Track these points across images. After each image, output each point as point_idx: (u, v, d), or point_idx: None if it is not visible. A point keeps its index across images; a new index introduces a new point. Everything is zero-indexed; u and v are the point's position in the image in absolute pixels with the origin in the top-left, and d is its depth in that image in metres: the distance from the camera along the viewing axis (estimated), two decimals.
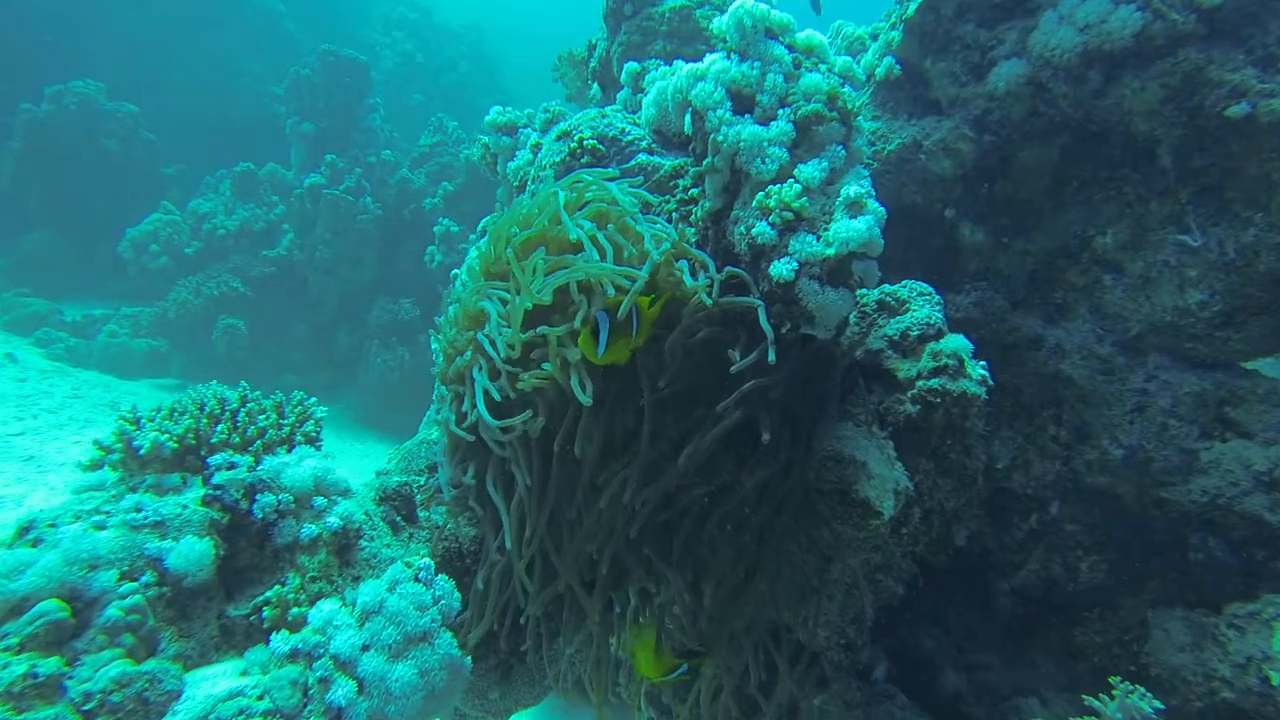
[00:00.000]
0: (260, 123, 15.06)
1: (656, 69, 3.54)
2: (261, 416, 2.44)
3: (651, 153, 2.90)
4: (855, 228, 2.14)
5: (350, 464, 9.44)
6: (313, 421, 2.57)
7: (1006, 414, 3.77)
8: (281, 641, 1.88)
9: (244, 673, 1.86)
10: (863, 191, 2.24)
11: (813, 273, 2.18)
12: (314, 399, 2.82)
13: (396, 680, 1.86)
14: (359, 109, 12.00)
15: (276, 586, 2.10)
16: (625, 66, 3.82)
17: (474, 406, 2.44)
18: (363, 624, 1.97)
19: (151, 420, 2.27)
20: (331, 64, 11.89)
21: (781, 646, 2.93)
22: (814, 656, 3.60)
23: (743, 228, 2.30)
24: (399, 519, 2.83)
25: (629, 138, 2.89)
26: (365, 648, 1.91)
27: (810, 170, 2.29)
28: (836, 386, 2.68)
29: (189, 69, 15.32)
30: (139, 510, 1.98)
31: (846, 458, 2.71)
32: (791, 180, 2.27)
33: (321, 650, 1.86)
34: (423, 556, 2.34)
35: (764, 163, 2.32)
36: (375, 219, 10.79)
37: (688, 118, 2.64)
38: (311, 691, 1.79)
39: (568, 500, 2.28)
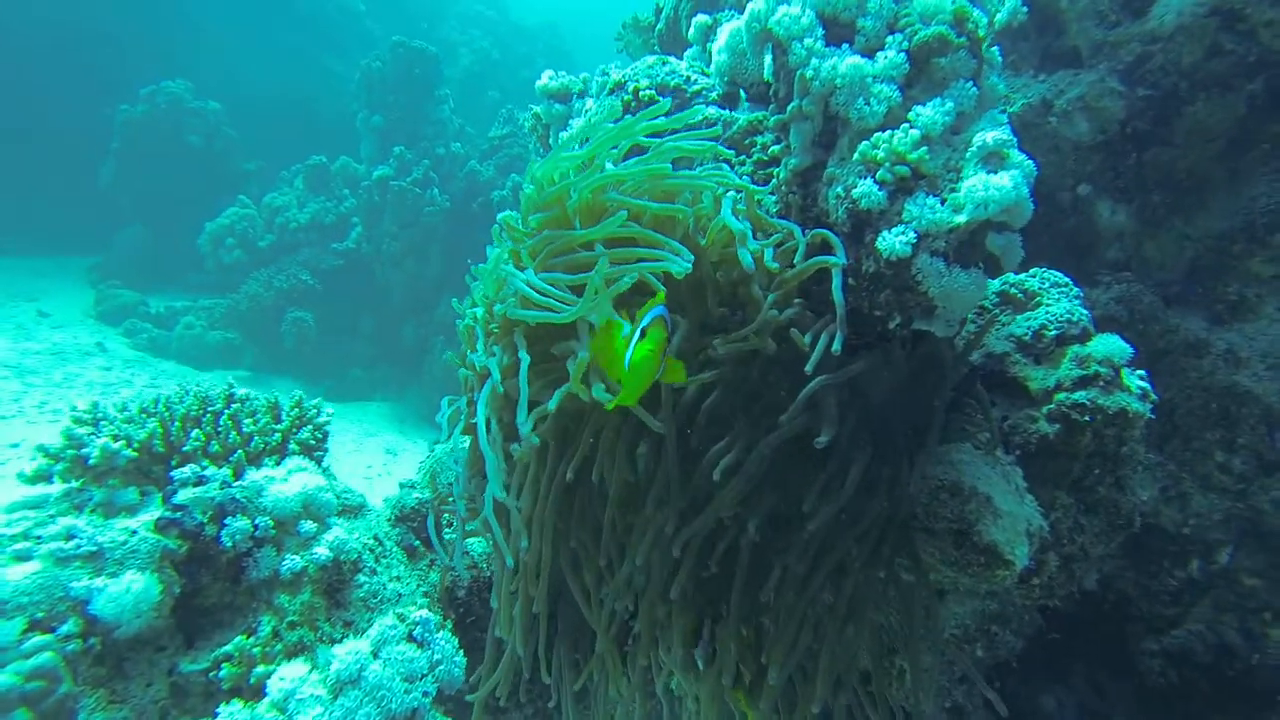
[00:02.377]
0: (338, 117, 15.19)
1: (730, 20, 3.00)
2: (248, 420, 2.04)
3: (723, 105, 2.37)
4: (997, 185, 1.57)
5: (415, 461, 9.26)
6: (311, 428, 2.16)
7: (1154, 435, 3.07)
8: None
9: None
10: (1004, 138, 1.66)
11: (936, 246, 1.62)
12: (320, 401, 2.41)
13: None
14: (428, 101, 11.85)
15: (240, 637, 1.67)
16: (694, 20, 3.29)
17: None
18: (336, 697, 1.52)
19: (111, 422, 1.89)
20: (401, 56, 11.78)
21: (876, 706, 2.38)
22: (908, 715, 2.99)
23: (839, 189, 1.75)
24: (417, 542, 2.39)
25: (695, 87, 2.37)
26: None
27: (931, 113, 1.72)
28: (946, 397, 2.10)
29: (272, 66, 15.61)
30: (71, 538, 1.59)
31: (966, 489, 2.12)
32: (906, 125, 1.70)
33: None
34: (421, 608, 1.87)
35: (868, 104, 1.76)
36: (443, 211, 10.59)
37: (768, 57, 2.10)
38: None
39: (591, 542, 1.78)
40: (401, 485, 2.82)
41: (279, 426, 2.14)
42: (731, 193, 1.83)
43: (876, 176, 1.67)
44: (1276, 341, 2.83)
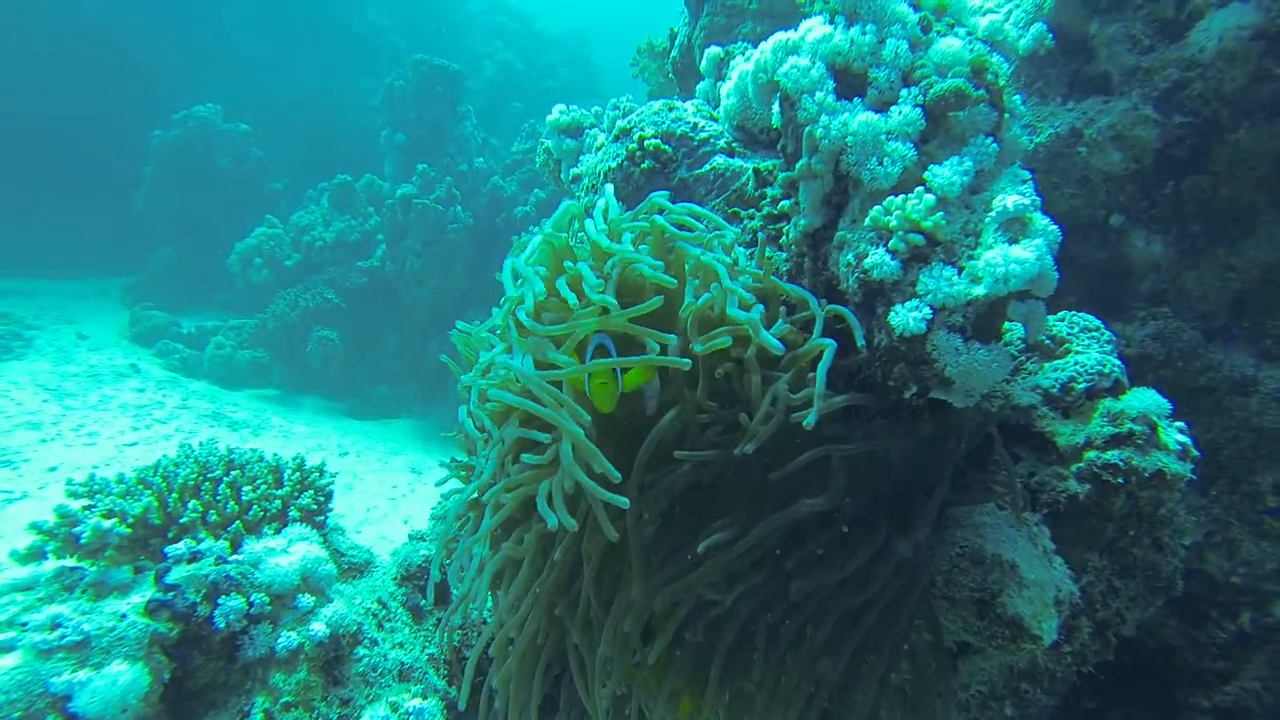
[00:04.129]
0: (364, 135, 15.36)
1: (743, 53, 2.92)
2: (248, 488, 2.00)
3: (731, 154, 2.29)
4: (1018, 259, 1.47)
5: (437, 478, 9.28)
6: (313, 492, 2.12)
7: (1199, 476, 2.91)
8: None
9: None
10: (1025, 203, 1.56)
11: (953, 322, 1.52)
12: (323, 463, 2.37)
13: None
14: (450, 117, 11.91)
15: None
16: (706, 53, 3.22)
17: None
18: None
19: (107, 494, 1.86)
20: (424, 73, 11.85)
21: None
22: None
23: (850, 255, 1.66)
24: (424, 602, 2.34)
25: (702, 135, 2.29)
26: None
27: (948, 173, 1.62)
28: (957, 454, 1.99)
29: (300, 85, 15.83)
30: (56, 627, 1.56)
31: (989, 557, 2.01)
32: (921, 190, 1.61)
33: None
34: (415, 696, 1.81)
35: (881, 164, 1.67)
36: (466, 228, 10.62)
37: (776, 106, 2.02)
38: None
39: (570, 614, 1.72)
40: (411, 537, 2.77)
41: (279, 493, 2.10)
42: (733, 278, 1.72)
43: (889, 245, 1.57)
44: None
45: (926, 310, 1.51)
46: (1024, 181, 1.68)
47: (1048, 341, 2.41)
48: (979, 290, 1.50)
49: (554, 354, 1.60)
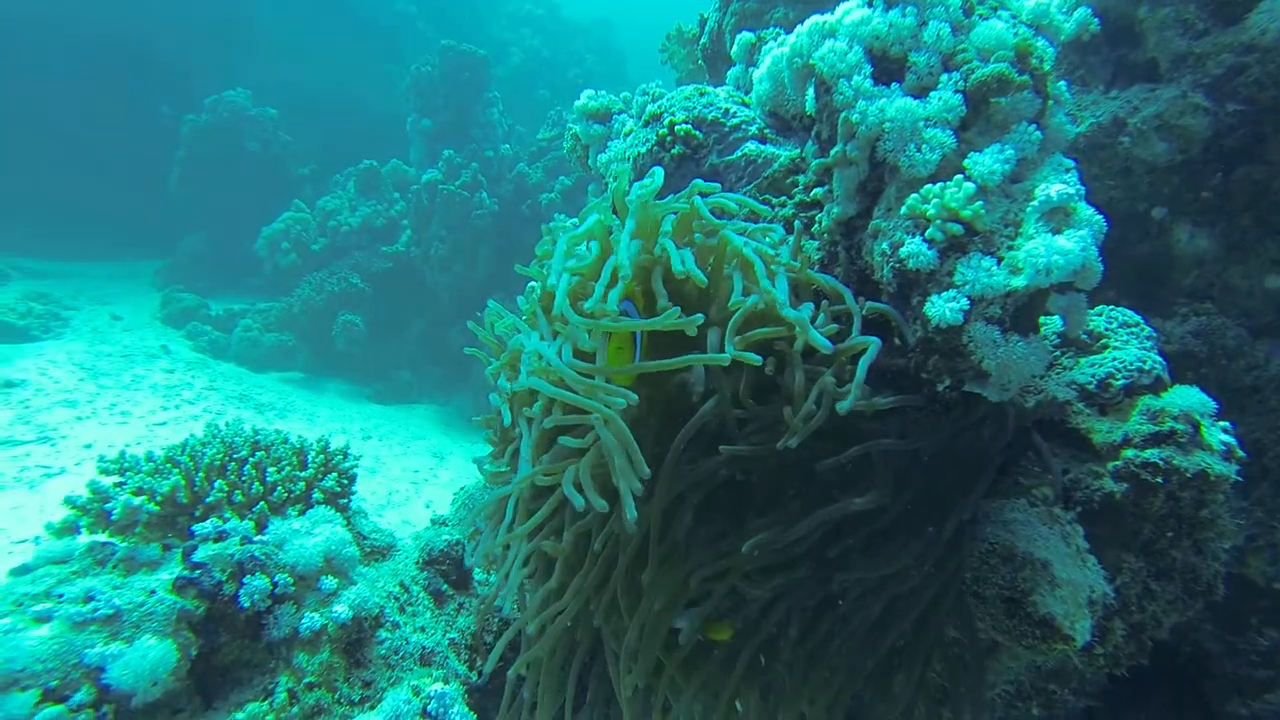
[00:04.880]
0: (391, 122, 15.42)
1: (776, 39, 2.86)
2: (273, 469, 2.00)
3: (763, 140, 2.25)
4: (1061, 249, 1.42)
5: (461, 465, 9.34)
6: (336, 474, 2.12)
7: (1238, 479, 2.83)
8: None
9: None
10: (1069, 192, 1.51)
11: (990, 313, 1.48)
12: (347, 446, 2.37)
13: None
14: (477, 103, 11.91)
15: (252, 704, 1.64)
16: (737, 38, 3.16)
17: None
18: None
19: (137, 472, 1.87)
20: (451, 59, 11.85)
21: None
22: None
23: (885, 245, 1.62)
24: (445, 587, 2.34)
25: (734, 120, 2.25)
26: None
27: (989, 161, 1.57)
28: (999, 453, 1.94)
29: (327, 70, 15.91)
30: (89, 600, 1.57)
31: (1019, 554, 1.97)
32: (960, 178, 1.56)
33: None
34: (436, 680, 1.81)
35: (919, 150, 1.63)
36: (491, 214, 10.63)
37: (810, 91, 1.97)
38: None
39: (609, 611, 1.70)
40: (432, 521, 2.77)
41: (303, 475, 2.11)
42: (781, 271, 1.68)
43: (926, 234, 1.53)
44: None
45: (964, 301, 1.47)
46: (1067, 170, 1.63)
47: (1084, 337, 2.35)
48: (1018, 281, 1.46)
49: (587, 342, 1.58)
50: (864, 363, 1.54)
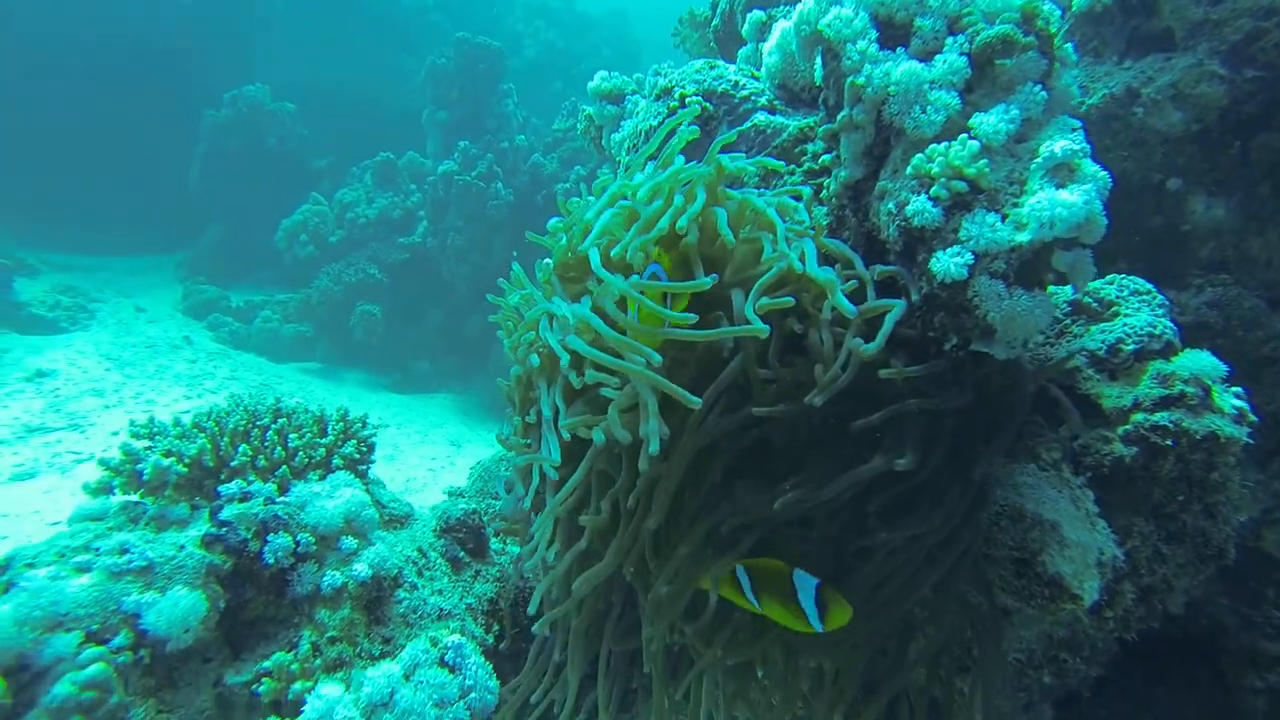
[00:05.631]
0: (408, 114, 15.53)
1: (786, 15, 2.88)
2: (294, 435, 2.07)
3: (773, 111, 2.28)
4: (1065, 202, 1.44)
5: (478, 453, 9.43)
6: (355, 442, 2.18)
7: (1258, 451, 2.83)
8: None
9: None
10: (1074, 149, 1.52)
11: (995, 268, 1.50)
12: (367, 415, 2.43)
13: None
14: (492, 95, 11.97)
15: (279, 653, 1.70)
16: (749, 17, 3.18)
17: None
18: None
19: (165, 436, 1.94)
20: (466, 51, 11.92)
21: None
22: None
23: (891, 204, 1.65)
24: (462, 554, 2.40)
25: (743, 92, 2.28)
26: None
27: (994, 120, 1.59)
28: (1017, 417, 1.96)
29: (344, 64, 16.04)
30: (125, 552, 1.64)
31: (1029, 515, 1.99)
32: (965, 136, 1.58)
33: None
34: (454, 631, 1.86)
35: (925, 112, 1.65)
36: (507, 205, 10.70)
37: (818, 60, 1.99)
38: None
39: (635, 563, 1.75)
40: (449, 492, 2.83)
41: (324, 441, 2.17)
42: (808, 240, 1.71)
43: (930, 192, 1.55)
44: None
45: (969, 256, 1.49)
46: (1073, 130, 1.64)
47: (1094, 304, 2.36)
48: (1023, 236, 1.48)
49: (613, 307, 1.62)
50: (890, 318, 1.57)
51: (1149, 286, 2.39)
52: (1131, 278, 2.41)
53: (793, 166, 2.07)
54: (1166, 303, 2.37)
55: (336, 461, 2.17)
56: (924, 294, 1.59)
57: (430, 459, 8.79)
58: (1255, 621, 2.74)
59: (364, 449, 2.28)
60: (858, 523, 1.86)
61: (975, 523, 1.94)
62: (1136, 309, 2.30)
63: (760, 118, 2.23)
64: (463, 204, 10.58)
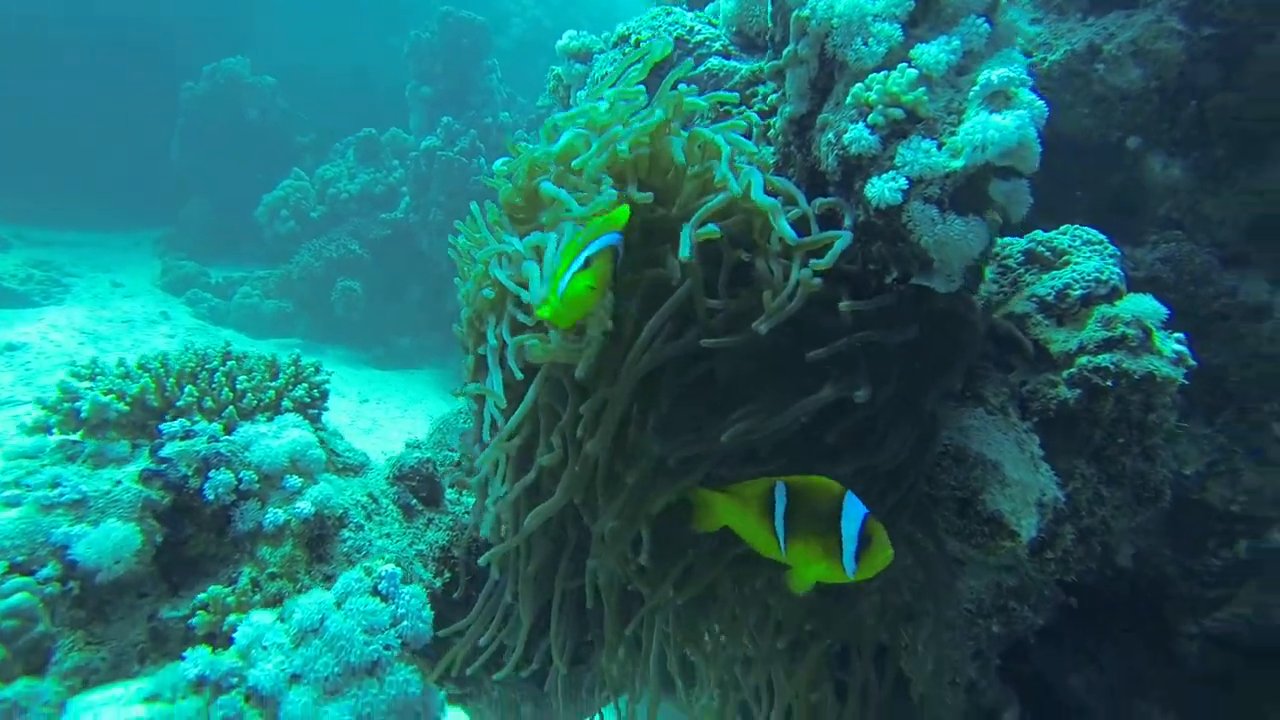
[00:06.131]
0: (393, 91, 15.35)
1: None
2: (243, 378, 2.05)
3: (727, 56, 2.27)
4: (998, 125, 1.44)
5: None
6: (306, 385, 2.17)
7: (1203, 405, 2.86)
8: (191, 664, 1.47)
9: (151, 698, 1.47)
10: (1011, 76, 1.52)
11: (929, 193, 1.50)
12: (319, 361, 2.42)
13: None
14: (476, 70, 11.85)
15: (215, 586, 1.69)
16: None
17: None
18: (298, 646, 1.53)
19: (106, 376, 1.92)
20: (450, 26, 11.78)
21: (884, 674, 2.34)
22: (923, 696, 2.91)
23: (831, 134, 1.65)
24: (415, 502, 2.39)
25: (698, 37, 2.26)
26: (295, 678, 1.48)
27: (934, 51, 1.59)
28: (963, 360, 1.97)
29: (328, 38, 15.83)
30: (56, 486, 1.63)
31: (972, 455, 2.01)
32: (904, 65, 1.58)
33: (234, 680, 1.44)
34: (388, 562, 1.86)
35: (866, 44, 1.64)
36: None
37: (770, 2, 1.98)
38: None
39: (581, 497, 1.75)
40: (407, 444, 2.82)
41: (274, 384, 2.15)
42: (754, 169, 1.70)
43: (868, 120, 1.55)
44: None
45: (903, 181, 1.49)
46: (1016, 62, 1.64)
47: (1048, 253, 2.37)
48: (957, 163, 1.48)
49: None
50: (837, 245, 1.58)
51: (1101, 237, 2.40)
52: (1085, 228, 2.42)
53: (743, 107, 2.06)
54: (1118, 253, 2.38)
55: (286, 404, 2.15)
56: (861, 222, 1.59)
57: (410, 434, 8.71)
58: (1195, 571, 2.78)
59: (316, 394, 2.27)
60: (804, 457, 1.87)
61: (923, 459, 1.95)
62: (1088, 258, 2.31)
63: (714, 62, 2.22)
64: (445, 180, 10.49)
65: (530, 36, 19.42)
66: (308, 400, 2.20)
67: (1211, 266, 2.77)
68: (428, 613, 1.74)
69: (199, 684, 1.48)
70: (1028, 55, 2.96)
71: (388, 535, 2.17)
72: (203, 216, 12.70)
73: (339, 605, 1.63)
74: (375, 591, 1.70)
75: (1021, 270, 2.37)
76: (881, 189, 1.50)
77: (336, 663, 1.52)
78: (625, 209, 1.55)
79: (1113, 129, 2.92)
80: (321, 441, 2.46)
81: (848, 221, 1.59)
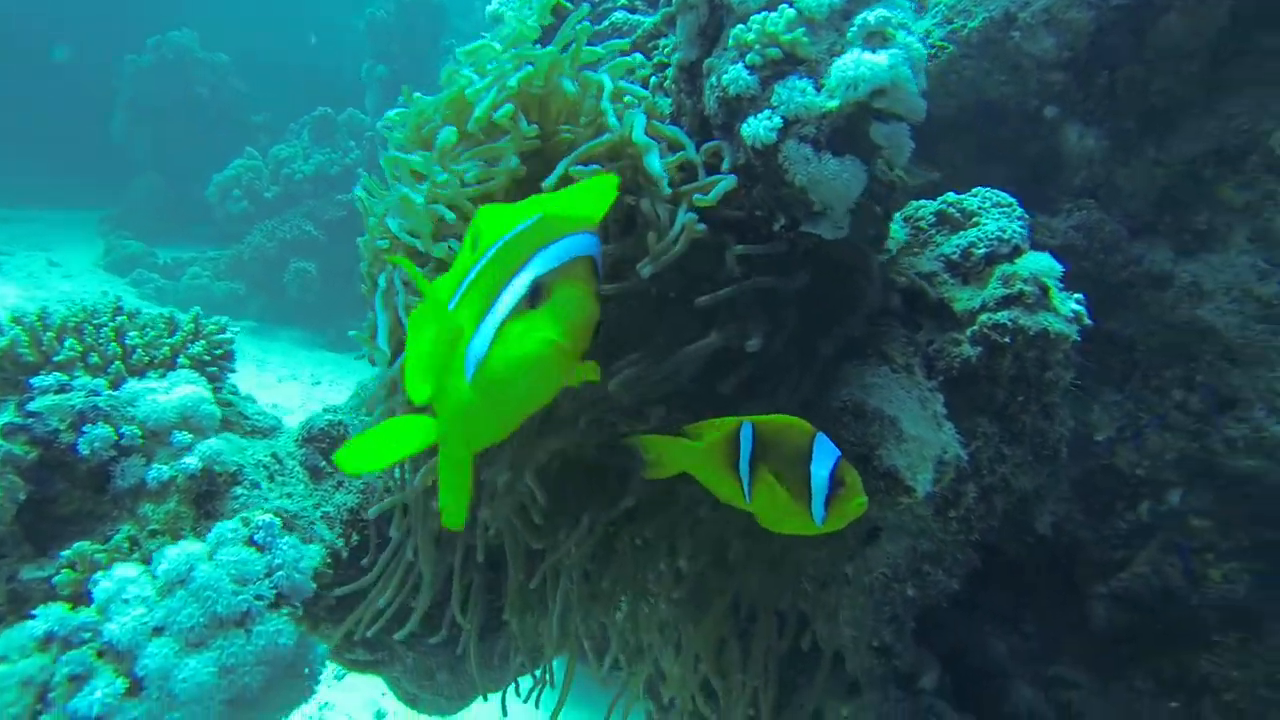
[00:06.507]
0: (349, 70, 15.06)
1: None
2: (134, 333, 1.98)
3: (633, 10, 2.24)
4: (870, 63, 1.43)
5: None
6: (206, 343, 2.10)
7: (1115, 372, 2.91)
8: (40, 621, 1.42)
9: None
10: (888, 16, 1.51)
11: (805, 133, 1.49)
12: (224, 319, 2.35)
13: (184, 680, 1.37)
14: (433, 50, 11.68)
15: (83, 543, 1.64)
16: None
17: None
18: (164, 599, 1.48)
19: None
20: (406, 5, 11.59)
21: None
22: (839, 658, 2.94)
23: (714, 78, 1.63)
24: (324, 464, 2.34)
25: None
26: (158, 631, 1.43)
27: None
28: (860, 309, 1.97)
29: (282, 17, 15.47)
30: None
31: (870, 411, 2.01)
32: (784, 6, 1.56)
33: (86, 635, 1.39)
34: (268, 513, 1.82)
35: None
36: None
37: None
38: (53, 695, 1.32)
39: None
40: (325, 409, 2.77)
41: (169, 340, 2.09)
42: (638, 112, 1.68)
43: (746, 60, 1.54)
44: (1242, 273, 2.64)
45: (778, 120, 1.48)
46: (901, 7, 1.63)
47: (957, 214, 2.38)
48: (833, 103, 1.47)
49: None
50: (721, 185, 1.56)
51: (1011, 200, 2.42)
52: (996, 191, 2.44)
53: (642, 59, 2.04)
54: (1027, 215, 2.41)
55: (183, 362, 2.09)
56: (741, 165, 1.58)
57: None
58: (1105, 534, 2.84)
59: (217, 350, 2.20)
60: (699, 409, 1.86)
61: (821, 410, 1.96)
62: (995, 218, 2.33)
63: (618, 15, 2.20)
64: None
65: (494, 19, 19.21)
66: (208, 358, 2.13)
67: (1120, 236, 2.81)
68: (308, 565, 1.70)
69: (46, 641, 1.42)
70: (949, 21, 2.97)
71: (289, 495, 2.12)
72: (150, 196, 12.36)
73: (211, 556, 1.59)
74: (251, 541, 1.66)
75: (933, 231, 2.39)
76: (756, 128, 1.48)
77: (202, 614, 1.48)
78: (608, 183, 0.92)
79: (1030, 97, 2.95)
80: (228, 403, 2.40)
81: (726, 164, 1.57)
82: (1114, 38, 2.77)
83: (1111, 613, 2.76)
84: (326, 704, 4.63)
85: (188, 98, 12.35)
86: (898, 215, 2.48)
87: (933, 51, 2.88)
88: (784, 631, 2.22)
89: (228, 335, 2.31)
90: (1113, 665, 2.83)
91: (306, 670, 1.68)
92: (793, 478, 1.35)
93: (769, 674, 2.20)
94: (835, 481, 1.34)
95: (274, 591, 1.61)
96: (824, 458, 1.34)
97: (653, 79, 1.96)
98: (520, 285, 0.72)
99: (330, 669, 4.75)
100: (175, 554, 1.58)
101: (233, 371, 2.45)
